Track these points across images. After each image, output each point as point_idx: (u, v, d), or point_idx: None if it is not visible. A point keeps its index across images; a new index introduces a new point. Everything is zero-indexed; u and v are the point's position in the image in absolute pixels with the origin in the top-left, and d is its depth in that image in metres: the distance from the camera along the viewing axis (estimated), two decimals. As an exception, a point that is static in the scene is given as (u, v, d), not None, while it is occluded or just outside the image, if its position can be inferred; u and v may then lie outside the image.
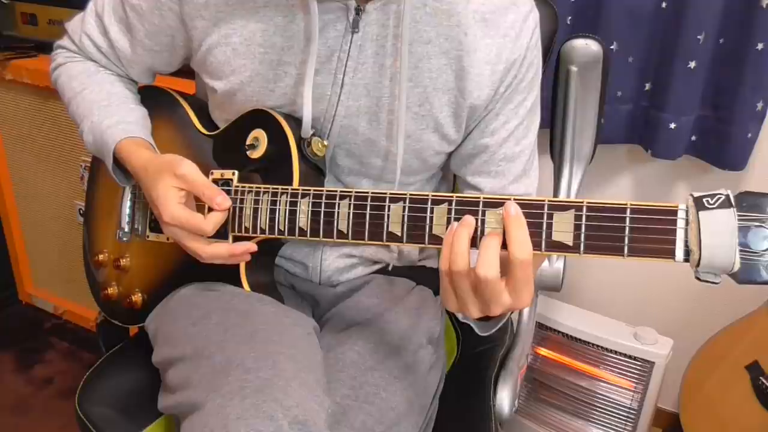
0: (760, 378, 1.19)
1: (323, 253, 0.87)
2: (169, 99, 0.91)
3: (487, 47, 0.74)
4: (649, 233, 0.53)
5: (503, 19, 0.74)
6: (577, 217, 0.56)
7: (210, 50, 0.78)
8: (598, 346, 1.37)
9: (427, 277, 0.94)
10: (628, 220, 0.54)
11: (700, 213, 0.51)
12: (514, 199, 0.58)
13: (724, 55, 1.21)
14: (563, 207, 0.56)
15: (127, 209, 0.90)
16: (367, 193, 0.66)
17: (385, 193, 0.65)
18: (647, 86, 1.30)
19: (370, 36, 0.74)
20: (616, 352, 1.36)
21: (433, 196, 0.62)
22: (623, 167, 1.44)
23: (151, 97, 0.91)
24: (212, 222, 0.72)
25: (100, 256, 0.92)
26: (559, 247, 0.57)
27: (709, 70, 1.23)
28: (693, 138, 1.29)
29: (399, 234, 0.64)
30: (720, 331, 1.28)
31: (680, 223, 0.52)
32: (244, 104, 0.79)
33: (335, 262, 0.88)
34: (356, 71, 0.75)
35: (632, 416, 1.38)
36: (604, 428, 1.41)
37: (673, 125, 1.26)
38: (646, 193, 1.43)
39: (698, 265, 0.51)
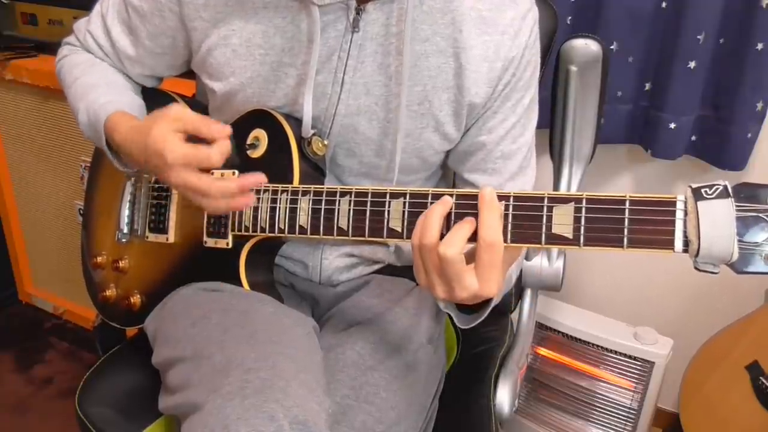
0: (760, 378, 1.19)
1: (323, 253, 0.87)
2: (169, 101, 0.91)
3: (485, 44, 0.74)
4: (648, 224, 0.54)
5: (502, 16, 0.74)
6: (577, 210, 0.56)
7: (210, 51, 0.78)
8: (598, 346, 1.37)
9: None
10: (627, 211, 0.55)
11: (699, 203, 0.52)
12: (515, 194, 0.58)
13: (724, 55, 1.21)
14: (563, 200, 0.57)
15: (126, 210, 0.90)
16: (368, 189, 0.66)
17: (386, 190, 0.65)
18: (647, 86, 1.30)
19: (371, 35, 0.74)
20: (616, 352, 1.35)
21: (433, 191, 0.62)
22: (623, 167, 1.44)
23: (151, 98, 0.91)
24: (219, 150, 0.69)
25: (99, 258, 0.92)
26: (559, 239, 0.57)
27: (709, 70, 1.23)
28: (693, 138, 1.29)
29: (399, 230, 0.64)
30: (720, 331, 1.28)
31: (679, 214, 0.53)
32: (244, 105, 0.79)
33: (335, 261, 0.88)
34: (356, 70, 0.75)
35: (632, 416, 1.38)
36: (604, 428, 1.41)
37: (673, 125, 1.26)
38: (645, 192, 1.42)
39: (697, 254, 0.52)
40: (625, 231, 0.54)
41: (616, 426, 1.40)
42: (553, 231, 0.57)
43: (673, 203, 0.53)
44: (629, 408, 1.38)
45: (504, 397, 0.89)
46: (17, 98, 1.64)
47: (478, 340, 1.00)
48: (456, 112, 0.77)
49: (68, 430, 1.50)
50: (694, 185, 0.53)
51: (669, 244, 0.53)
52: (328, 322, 0.84)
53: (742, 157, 1.25)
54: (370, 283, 0.88)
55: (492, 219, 0.57)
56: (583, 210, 0.56)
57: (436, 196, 0.62)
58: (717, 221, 0.51)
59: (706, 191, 0.52)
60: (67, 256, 1.79)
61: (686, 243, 0.53)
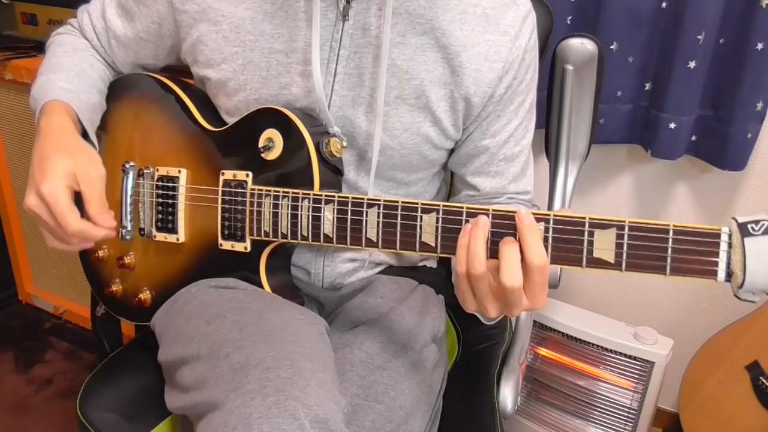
0: (760, 378, 1.19)
1: (325, 260, 0.87)
2: (166, 89, 0.87)
3: (486, 43, 0.74)
4: (692, 254, 0.55)
5: (503, 16, 0.75)
6: (619, 236, 0.57)
7: (200, 38, 0.78)
8: (598, 346, 1.37)
9: (428, 276, 0.94)
10: (670, 240, 0.56)
11: (745, 239, 0.54)
12: (554, 216, 0.59)
13: (724, 55, 1.21)
14: (604, 225, 0.58)
15: (128, 207, 0.89)
16: (397, 202, 0.66)
17: (417, 203, 0.65)
18: (647, 86, 1.31)
19: (361, 24, 0.74)
20: (616, 352, 1.36)
21: (468, 208, 0.63)
22: (623, 167, 1.45)
23: (147, 86, 0.88)
24: (81, 226, 0.71)
25: (100, 252, 0.90)
26: (601, 263, 0.58)
27: (709, 70, 1.23)
28: (693, 138, 1.29)
29: (433, 244, 0.65)
30: (720, 331, 1.28)
31: (723, 246, 0.55)
32: (237, 93, 0.79)
33: (338, 267, 0.87)
34: (349, 60, 0.75)
35: (632, 416, 1.38)
36: (604, 428, 1.41)
37: (673, 125, 1.26)
38: (645, 193, 1.44)
39: (741, 287, 0.54)
40: (669, 260, 0.56)
41: (616, 426, 1.40)
42: (594, 255, 0.58)
43: (718, 235, 0.55)
44: (629, 408, 1.38)
45: (507, 393, 0.89)
46: (17, 98, 1.64)
47: (478, 338, 1.00)
48: (453, 108, 0.77)
49: (68, 430, 1.51)
50: (740, 219, 0.54)
51: (712, 275, 0.55)
52: (333, 323, 0.84)
53: (742, 157, 1.25)
54: (374, 284, 0.88)
55: (537, 241, 0.58)
56: (626, 237, 0.57)
57: (471, 213, 0.62)
58: (763, 257, 0.53)
59: (752, 227, 0.54)
60: (67, 256, 1.78)
61: (729, 274, 0.55)
